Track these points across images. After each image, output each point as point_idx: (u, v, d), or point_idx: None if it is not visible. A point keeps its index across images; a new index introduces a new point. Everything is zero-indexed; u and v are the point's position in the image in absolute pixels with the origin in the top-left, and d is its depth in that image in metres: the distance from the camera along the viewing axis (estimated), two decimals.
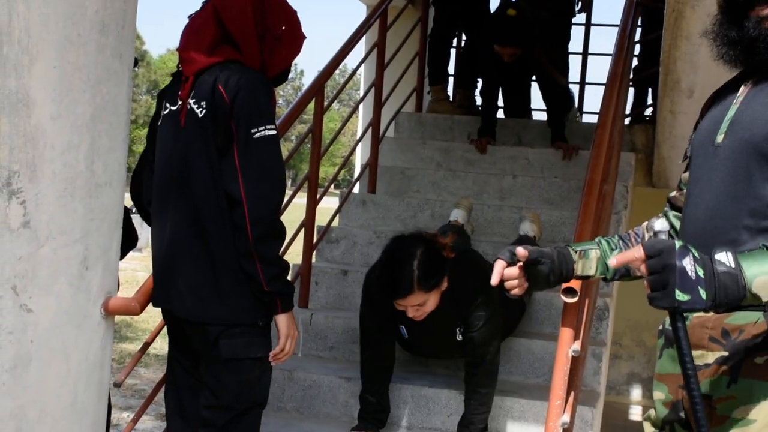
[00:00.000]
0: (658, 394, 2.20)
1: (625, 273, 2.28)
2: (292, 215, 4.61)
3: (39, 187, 2.42)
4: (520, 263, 2.22)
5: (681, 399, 2.13)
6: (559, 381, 2.89)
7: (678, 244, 1.75)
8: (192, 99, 2.72)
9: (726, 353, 1.99)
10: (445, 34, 6.48)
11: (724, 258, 1.77)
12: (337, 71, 4.94)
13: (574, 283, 2.68)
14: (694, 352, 2.05)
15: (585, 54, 7.17)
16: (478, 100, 6.65)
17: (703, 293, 1.73)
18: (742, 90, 2.09)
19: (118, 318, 2.89)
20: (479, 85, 6.59)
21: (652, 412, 2.25)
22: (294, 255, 4.54)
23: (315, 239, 4.57)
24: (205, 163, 2.69)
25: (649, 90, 6.47)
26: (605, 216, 3.89)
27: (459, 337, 3.48)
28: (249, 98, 2.65)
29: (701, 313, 1.96)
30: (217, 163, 2.67)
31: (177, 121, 2.77)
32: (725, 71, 2.22)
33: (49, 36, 2.39)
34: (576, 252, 2.26)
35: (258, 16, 2.75)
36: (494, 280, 2.23)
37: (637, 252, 1.80)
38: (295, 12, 2.87)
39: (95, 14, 2.57)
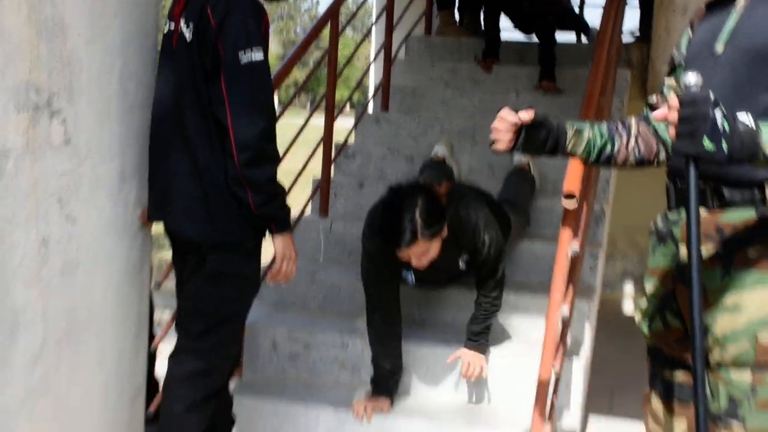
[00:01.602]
0: (650, 287, 2.21)
1: (605, 159, 2.24)
2: (311, 134, 4.59)
3: (77, 107, 2.42)
4: (520, 121, 2.13)
5: (672, 291, 2.13)
6: (559, 277, 2.91)
7: (711, 96, 1.71)
8: (183, 20, 2.57)
9: (720, 248, 1.98)
10: None
11: (745, 118, 1.74)
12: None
13: (573, 189, 2.67)
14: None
15: None
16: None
17: (725, 146, 1.70)
18: (741, 1, 2.02)
19: (155, 229, 2.89)
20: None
21: (643, 302, 2.25)
22: (314, 170, 4.54)
23: (333, 155, 4.54)
24: (192, 89, 2.56)
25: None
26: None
27: (462, 266, 3.35)
28: (237, 21, 2.46)
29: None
30: (205, 88, 2.53)
31: (169, 42, 2.65)
32: None
33: None
34: (572, 128, 2.20)
35: None
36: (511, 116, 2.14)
37: (672, 101, 1.75)
38: None
39: None
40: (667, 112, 1.78)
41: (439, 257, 3.12)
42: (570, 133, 2.19)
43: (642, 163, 2.25)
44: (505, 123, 2.15)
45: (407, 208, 2.95)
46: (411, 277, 3.37)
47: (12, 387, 2.27)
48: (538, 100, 5.23)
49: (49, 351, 2.39)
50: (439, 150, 4.42)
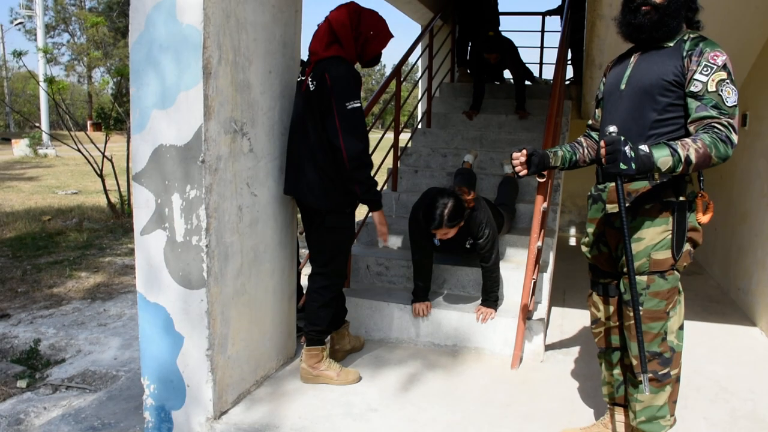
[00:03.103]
0: (589, 229, 2.19)
1: (572, 165, 2.23)
2: (385, 143, 4.60)
3: (256, 130, 2.48)
4: (525, 153, 2.14)
5: (603, 231, 2.12)
6: (536, 224, 2.91)
7: (622, 138, 1.75)
8: (310, 77, 2.50)
9: (629, 204, 1.98)
10: (465, 39, 6.24)
11: (644, 147, 1.76)
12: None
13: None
14: (610, 206, 2.06)
15: (541, 47, 6.82)
16: None
17: (633, 165, 1.73)
18: (633, 58, 2.02)
19: None
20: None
21: (585, 239, 2.23)
22: (388, 164, 4.56)
23: (399, 154, 4.55)
24: (311, 119, 2.49)
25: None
26: (558, 134, 3.80)
27: (468, 246, 3.21)
28: (343, 83, 2.42)
29: (614, 184, 1.94)
30: (320, 119, 2.46)
31: (300, 87, 2.57)
32: (620, 52, 2.13)
33: (257, 50, 2.42)
34: (551, 152, 2.21)
35: (354, 25, 2.51)
36: (518, 155, 2.13)
37: (602, 143, 1.79)
38: (381, 20, 2.56)
39: (281, 37, 2.58)
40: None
41: (455, 237, 3.05)
42: (551, 155, 2.19)
43: (593, 161, 2.24)
44: (516, 160, 2.14)
45: (440, 206, 2.89)
46: (436, 240, 3.22)
47: (227, 288, 2.36)
48: (517, 119, 5.16)
49: (245, 269, 2.47)
50: (469, 158, 4.28)
